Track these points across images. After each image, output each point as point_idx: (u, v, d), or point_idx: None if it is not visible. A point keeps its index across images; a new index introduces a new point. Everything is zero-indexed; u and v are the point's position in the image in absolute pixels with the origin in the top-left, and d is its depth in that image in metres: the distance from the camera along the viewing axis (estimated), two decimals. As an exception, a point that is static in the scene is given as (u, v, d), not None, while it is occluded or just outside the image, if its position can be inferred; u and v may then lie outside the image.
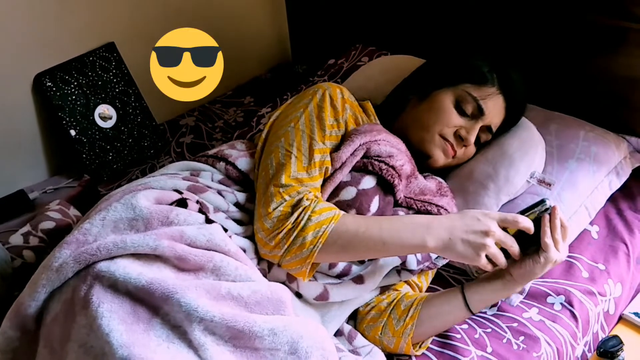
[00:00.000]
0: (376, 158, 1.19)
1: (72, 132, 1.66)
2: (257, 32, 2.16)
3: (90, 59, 1.70)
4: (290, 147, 1.14)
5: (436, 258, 1.25)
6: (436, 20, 1.79)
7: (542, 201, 1.08)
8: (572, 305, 1.24)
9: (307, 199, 1.09)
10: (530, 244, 1.08)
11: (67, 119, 1.65)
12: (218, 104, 2.01)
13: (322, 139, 1.17)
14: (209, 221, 1.06)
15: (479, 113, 1.27)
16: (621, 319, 1.35)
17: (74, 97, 1.67)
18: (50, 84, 1.63)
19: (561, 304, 1.24)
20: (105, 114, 1.72)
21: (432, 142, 1.28)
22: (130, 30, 1.79)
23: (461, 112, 1.27)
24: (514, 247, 1.05)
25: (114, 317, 0.88)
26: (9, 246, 1.30)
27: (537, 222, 1.07)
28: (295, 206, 1.08)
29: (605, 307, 1.29)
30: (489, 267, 1.06)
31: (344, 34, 2.05)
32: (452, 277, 1.34)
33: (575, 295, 1.25)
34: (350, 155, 1.18)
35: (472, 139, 1.28)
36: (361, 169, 1.20)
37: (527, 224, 1.04)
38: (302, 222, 1.06)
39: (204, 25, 1.96)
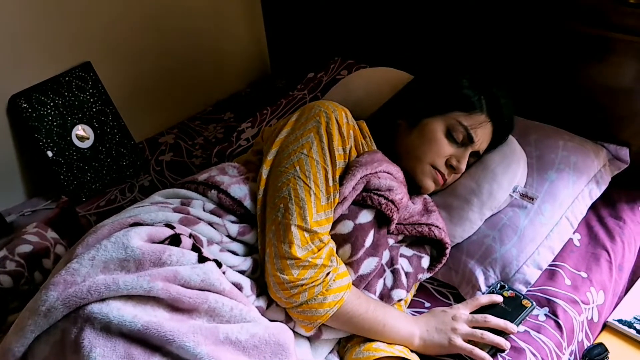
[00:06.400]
0: (375, 192, 1.19)
1: (49, 154, 1.64)
2: (235, 47, 2.16)
3: (67, 79, 1.69)
4: (307, 180, 1.13)
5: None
6: (415, 31, 1.80)
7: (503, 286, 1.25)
8: (556, 315, 1.24)
9: (333, 256, 1.12)
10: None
11: (44, 140, 1.63)
12: (197, 120, 2.00)
13: (334, 173, 1.17)
14: (202, 259, 1.03)
15: (469, 141, 1.28)
16: (605, 326, 1.35)
17: (50, 117, 1.65)
18: (25, 105, 1.61)
19: (545, 314, 1.24)
20: (82, 134, 1.69)
21: (424, 173, 1.29)
22: (106, 49, 1.78)
23: (452, 140, 1.28)
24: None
25: None
26: (-16, 272, 1.27)
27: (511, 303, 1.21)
28: (321, 259, 1.09)
29: (589, 315, 1.29)
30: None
31: (323, 47, 2.05)
32: (436, 290, 1.34)
33: (559, 305, 1.25)
34: (352, 189, 1.18)
35: (463, 167, 1.30)
36: (360, 202, 1.20)
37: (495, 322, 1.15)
38: (329, 282, 1.08)
39: (181, 42, 1.97)
